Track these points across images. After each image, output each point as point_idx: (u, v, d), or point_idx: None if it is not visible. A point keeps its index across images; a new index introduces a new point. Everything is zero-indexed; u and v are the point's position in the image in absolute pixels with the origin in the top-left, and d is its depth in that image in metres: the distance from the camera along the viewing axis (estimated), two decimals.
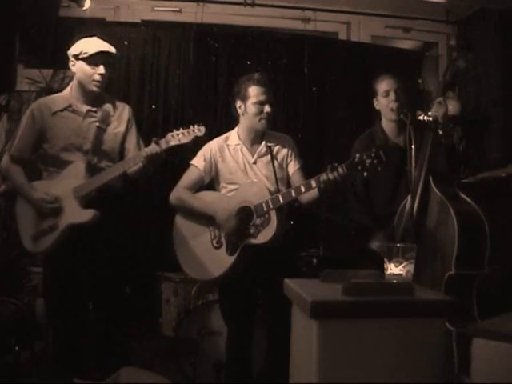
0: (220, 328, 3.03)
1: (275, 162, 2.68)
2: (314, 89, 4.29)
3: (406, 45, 4.86)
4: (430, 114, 2.59)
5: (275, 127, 3.18)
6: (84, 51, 2.58)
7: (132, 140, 2.75)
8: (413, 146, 2.43)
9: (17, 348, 2.92)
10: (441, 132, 2.58)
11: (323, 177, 2.40)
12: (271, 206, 2.53)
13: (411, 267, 1.78)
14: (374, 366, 1.60)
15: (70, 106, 2.65)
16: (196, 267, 2.66)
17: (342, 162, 2.39)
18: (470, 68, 4.18)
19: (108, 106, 2.71)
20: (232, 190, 2.67)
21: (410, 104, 2.80)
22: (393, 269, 1.77)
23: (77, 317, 2.61)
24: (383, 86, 2.85)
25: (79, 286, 2.59)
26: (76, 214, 2.52)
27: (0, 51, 2.52)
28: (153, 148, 2.50)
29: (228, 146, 2.74)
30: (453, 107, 4.00)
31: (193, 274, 2.71)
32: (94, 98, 2.66)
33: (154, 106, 4.04)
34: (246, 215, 2.58)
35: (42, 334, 3.39)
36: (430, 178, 2.52)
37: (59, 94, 2.76)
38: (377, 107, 2.93)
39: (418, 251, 1.82)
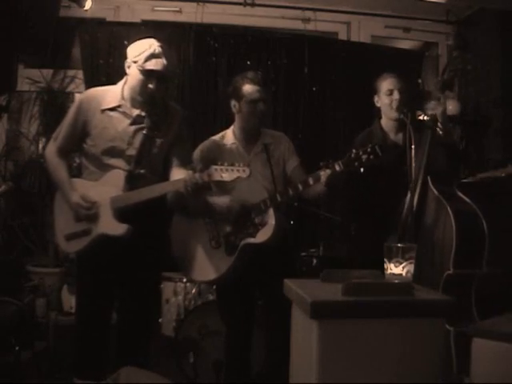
0: (220, 328, 3.02)
1: (271, 161, 2.66)
2: (314, 89, 4.29)
3: (405, 45, 4.87)
4: (428, 113, 2.59)
5: (275, 126, 3.18)
6: (140, 63, 2.44)
7: (178, 151, 2.62)
8: (413, 146, 2.43)
9: (17, 348, 2.92)
10: (440, 131, 2.58)
11: (321, 173, 2.41)
12: (269, 205, 2.52)
13: (411, 267, 1.78)
14: (373, 366, 1.60)
15: (119, 106, 2.52)
16: (195, 268, 2.64)
17: (340, 159, 2.40)
18: (468, 68, 4.19)
19: (159, 111, 2.57)
20: (228, 189, 2.63)
21: (410, 104, 2.81)
22: (393, 269, 1.77)
23: (101, 318, 2.59)
24: (386, 84, 2.86)
25: (105, 290, 2.57)
26: (110, 225, 2.45)
27: (0, 51, 2.52)
28: (193, 178, 2.38)
29: (224, 144, 2.72)
30: (452, 107, 4.01)
31: (192, 275, 2.68)
32: (144, 103, 2.53)
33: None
34: (244, 214, 2.57)
35: (42, 333, 3.40)
36: (429, 177, 2.52)
37: (111, 89, 2.60)
38: (377, 104, 2.93)
39: (416, 251, 1.82)
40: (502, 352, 1.63)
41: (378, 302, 1.63)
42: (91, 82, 3.92)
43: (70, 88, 4.27)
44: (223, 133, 2.78)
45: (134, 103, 2.53)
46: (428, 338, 1.63)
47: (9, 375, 2.89)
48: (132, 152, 2.52)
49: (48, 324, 3.47)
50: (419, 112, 2.61)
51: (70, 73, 4.30)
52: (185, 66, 4.11)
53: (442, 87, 2.70)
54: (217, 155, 2.68)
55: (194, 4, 4.20)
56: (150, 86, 2.46)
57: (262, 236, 2.52)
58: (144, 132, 2.53)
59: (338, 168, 2.37)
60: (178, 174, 2.55)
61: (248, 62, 4.17)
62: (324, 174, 2.40)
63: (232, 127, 2.76)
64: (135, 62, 2.46)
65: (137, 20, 4.30)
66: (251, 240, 2.54)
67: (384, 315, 1.63)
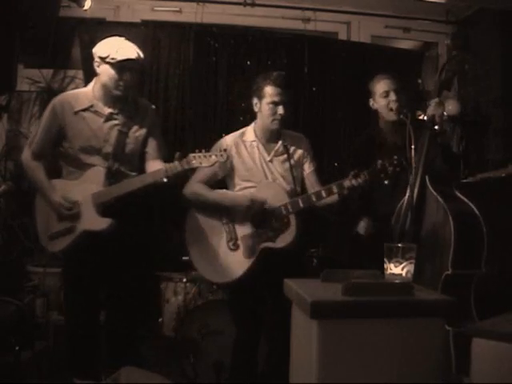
0: (220, 328, 3.03)
1: (292, 162, 2.65)
2: (314, 89, 4.29)
3: (405, 45, 4.86)
4: (427, 113, 2.59)
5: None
6: (112, 56, 2.51)
7: (153, 144, 2.70)
8: (413, 147, 2.43)
9: (17, 348, 2.92)
10: (437, 131, 2.58)
11: (346, 183, 2.40)
12: (290, 210, 2.50)
13: (411, 267, 1.78)
14: (373, 366, 1.60)
15: (92, 106, 2.59)
16: (210, 269, 2.61)
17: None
18: (465, 67, 4.18)
19: (130, 108, 2.65)
20: (247, 188, 2.63)
21: (410, 104, 2.81)
22: (393, 269, 1.78)
23: (88, 316, 2.61)
24: (381, 86, 2.85)
25: (91, 287, 2.59)
26: (92, 221, 2.50)
27: (0, 51, 2.52)
28: (174, 167, 2.44)
29: (244, 142, 2.70)
30: (452, 107, 4.00)
31: (207, 276, 2.66)
32: (116, 100, 2.59)
33: (153, 106, 4.04)
34: (263, 217, 2.55)
35: (42, 333, 3.39)
36: (427, 177, 2.52)
37: (82, 91, 2.69)
38: (373, 107, 2.93)
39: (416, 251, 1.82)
40: (502, 352, 1.62)
41: (378, 302, 1.63)
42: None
43: (70, 88, 4.24)
44: (243, 130, 2.77)
45: (107, 101, 2.60)
46: (428, 338, 1.63)
47: (9, 375, 2.89)
48: (109, 149, 2.58)
49: (48, 324, 3.47)
50: (419, 112, 2.61)
51: (70, 73, 4.29)
52: (185, 66, 4.11)
53: (440, 87, 2.71)
54: (238, 152, 2.67)
55: (194, 4, 4.19)
56: (125, 77, 2.52)
57: (282, 241, 2.51)
58: (118, 128, 2.59)
59: (363, 178, 2.37)
60: (153, 166, 2.60)
61: (248, 62, 4.17)
62: (348, 183, 2.39)
63: (253, 125, 2.75)
64: (105, 58, 2.52)
65: (137, 20, 4.28)
66: (270, 244, 2.52)
67: (384, 315, 1.63)
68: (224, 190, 2.68)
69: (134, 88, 2.60)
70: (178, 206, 2.71)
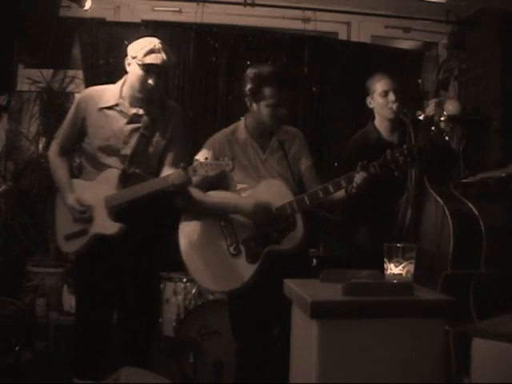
0: (220, 328, 3.03)
1: (289, 159, 2.50)
2: (313, 89, 4.29)
3: (405, 45, 4.87)
4: (426, 113, 2.59)
5: None
6: (139, 58, 2.46)
7: (173, 150, 2.62)
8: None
9: (17, 348, 2.92)
10: (435, 131, 2.58)
11: (355, 175, 2.25)
12: (296, 208, 2.34)
13: (411, 267, 1.78)
14: (373, 366, 1.60)
15: (117, 105, 2.55)
16: (212, 278, 2.42)
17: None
18: (462, 67, 4.18)
19: (156, 109, 2.58)
20: (243, 189, 2.47)
21: (409, 104, 2.81)
22: (393, 269, 1.77)
23: (100, 318, 2.61)
24: (381, 85, 2.84)
25: (104, 289, 2.59)
26: (104, 225, 2.50)
27: (0, 51, 2.52)
28: (179, 176, 2.36)
29: (236, 139, 2.53)
30: (452, 107, 4.01)
31: (208, 286, 2.48)
32: (142, 101, 2.54)
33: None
34: (267, 218, 2.37)
35: (42, 333, 3.40)
36: (425, 177, 2.51)
37: (109, 87, 2.63)
38: (370, 106, 2.91)
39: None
40: (502, 352, 1.63)
41: (378, 302, 1.63)
42: (91, 82, 3.92)
43: (70, 88, 4.26)
44: (234, 126, 2.59)
45: (133, 101, 2.56)
46: (428, 338, 1.63)
47: (9, 375, 2.89)
48: (127, 151, 2.55)
49: (48, 324, 3.47)
50: (419, 112, 2.61)
51: (70, 73, 4.29)
52: (185, 66, 4.11)
53: (437, 88, 2.71)
54: (231, 151, 2.51)
55: (194, 4, 4.19)
56: (150, 81, 2.48)
57: (289, 242, 2.35)
58: (141, 131, 2.55)
59: (373, 170, 2.24)
60: (166, 172, 2.51)
61: (248, 62, 4.16)
62: (358, 177, 2.25)
63: (243, 120, 2.57)
64: (135, 58, 2.49)
65: (137, 20, 4.29)
66: (275, 247, 2.35)
67: (384, 315, 1.63)
68: (222, 193, 2.50)
69: (157, 91, 2.54)
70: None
